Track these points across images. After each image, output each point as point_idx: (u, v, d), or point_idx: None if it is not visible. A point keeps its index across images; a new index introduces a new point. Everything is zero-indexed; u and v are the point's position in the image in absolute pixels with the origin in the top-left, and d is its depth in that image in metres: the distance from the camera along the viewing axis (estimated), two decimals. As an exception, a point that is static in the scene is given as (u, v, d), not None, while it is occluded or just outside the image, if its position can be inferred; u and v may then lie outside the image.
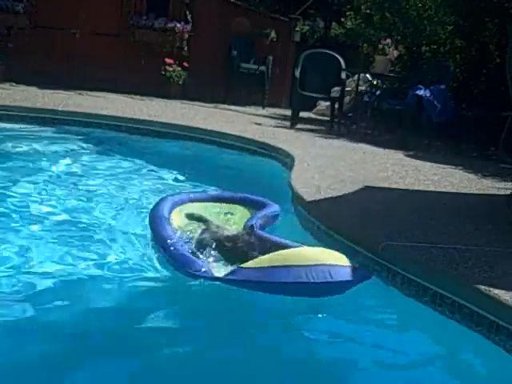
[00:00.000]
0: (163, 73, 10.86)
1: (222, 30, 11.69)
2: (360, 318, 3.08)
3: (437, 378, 2.61)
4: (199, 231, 3.55)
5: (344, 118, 9.32)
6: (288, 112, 9.78)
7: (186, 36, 11.20)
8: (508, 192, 4.94)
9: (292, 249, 2.94)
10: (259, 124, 8.64)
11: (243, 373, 2.46)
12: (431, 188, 5.21)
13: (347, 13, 11.95)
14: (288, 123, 8.95)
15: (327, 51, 9.49)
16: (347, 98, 9.69)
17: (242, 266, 2.84)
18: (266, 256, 2.86)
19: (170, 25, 11.08)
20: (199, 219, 3.73)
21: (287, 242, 3.31)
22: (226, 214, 4.10)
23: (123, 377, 2.37)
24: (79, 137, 7.13)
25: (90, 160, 6.19)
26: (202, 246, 3.38)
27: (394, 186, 5.13)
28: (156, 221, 3.64)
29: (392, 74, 10.24)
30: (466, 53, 9.87)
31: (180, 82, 10.99)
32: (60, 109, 7.83)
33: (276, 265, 2.72)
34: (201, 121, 8.03)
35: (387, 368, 2.63)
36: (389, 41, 11.04)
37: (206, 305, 2.99)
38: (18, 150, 6.27)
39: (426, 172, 6.00)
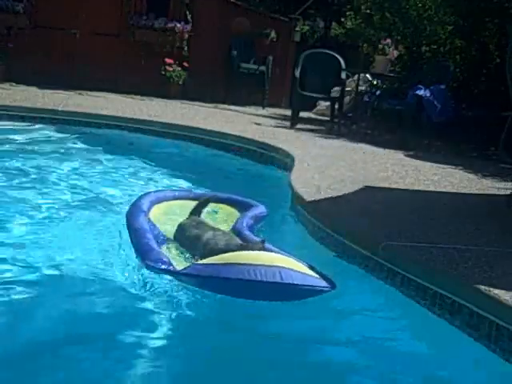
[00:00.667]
0: (163, 73, 10.86)
1: (221, 30, 11.69)
2: (359, 317, 3.08)
3: (437, 377, 2.61)
4: (177, 228, 3.51)
5: (344, 118, 9.32)
6: (288, 112, 9.78)
7: (186, 36, 11.20)
8: (508, 192, 4.94)
9: (252, 251, 2.89)
10: (259, 124, 8.64)
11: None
12: (431, 188, 5.21)
13: (347, 13, 11.94)
14: (288, 123, 8.95)
15: (327, 51, 9.49)
16: (347, 98, 9.69)
17: (197, 262, 2.88)
18: (225, 255, 2.86)
19: (170, 25, 11.08)
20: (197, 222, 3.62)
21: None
22: (211, 213, 4.04)
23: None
24: (79, 137, 7.13)
25: (90, 160, 6.19)
26: (173, 241, 3.35)
27: (393, 185, 5.13)
28: (131, 212, 3.63)
29: (392, 74, 10.24)
30: (466, 53, 9.87)
31: (180, 82, 10.99)
32: (60, 109, 7.83)
33: (228, 262, 2.72)
34: (201, 121, 8.03)
35: (386, 368, 2.63)
36: (389, 41, 11.04)
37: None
38: (17, 150, 6.27)
39: (426, 172, 6.00)
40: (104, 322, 2.82)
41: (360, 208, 4.28)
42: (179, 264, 2.98)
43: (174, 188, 5.11)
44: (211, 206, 4.09)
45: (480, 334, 2.61)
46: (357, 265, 3.38)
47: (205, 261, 2.83)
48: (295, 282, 2.64)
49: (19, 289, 2.98)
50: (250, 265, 2.65)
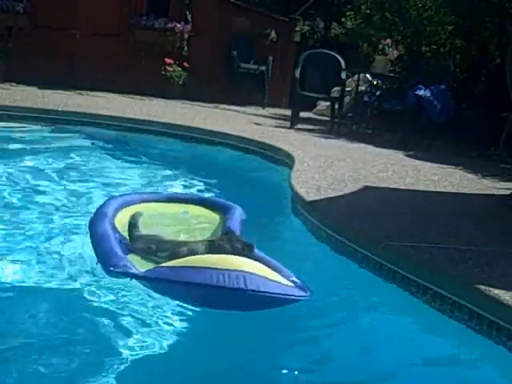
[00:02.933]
0: (163, 73, 10.86)
1: (221, 30, 11.69)
2: (360, 317, 3.08)
3: (436, 377, 2.61)
4: (143, 233, 3.26)
5: (344, 118, 9.32)
6: (288, 112, 9.78)
7: (186, 36, 11.20)
8: (508, 192, 4.94)
9: (219, 255, 2.67)
10: (259, 124, 8.64)
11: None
12: (431, 188, 5.21)
13: (347, 13, 11.95)
14: (288, 123, 8.95)
15: (327, 51, 9.49)
16: (347, 98, 9.69)
17: (160, 265, 2.71)
18: (191, 257, 2.69)
19: (170, 25, 11.08)
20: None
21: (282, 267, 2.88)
22: (182, 214, 3.85)
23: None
24: (79, 137, 7.13)
25: (90, 160, 6.19)
26: (139, 246, 3.12)
27: (393, 186, 5.13)
28: (95, 217, 3.45)
29: (392, 74, 10.24)
30: (466, 53, 9.87)
31: (180, 82, 10.99)
32: (60, 109, 7.83)
33: (190, 265, 2.55)
34: (201, 121, 8.03)
35: (387, 368, 2.63)
36: (389, 41, 11.05)
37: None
38: (17, 150, 6.27)
39: (426, 172, 6.00)
40: (61, 331, 2.66)
41: (360, 208, 4.28)
42: (144, 267, 2.79)
43: (141, 191, 4.87)
44: (180, 208, 3.88)
45: (480, 334, 2.61)
46: (356, 265, 3.38)
47: (168, 263, 2.67)
48: (261, 290, 2.40)
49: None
50: (213, 269, 2.46)
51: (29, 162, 5.71)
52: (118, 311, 2.78)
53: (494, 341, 2.55)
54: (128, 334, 2.62)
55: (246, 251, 2.89)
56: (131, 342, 2.56)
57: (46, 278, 3.09)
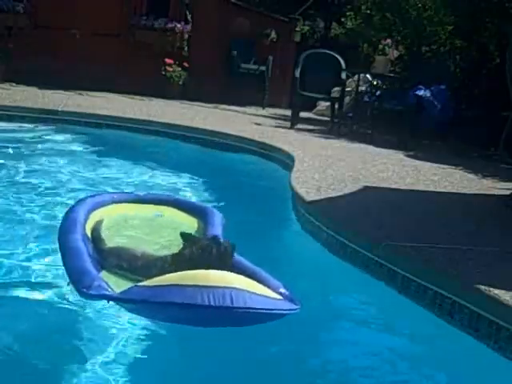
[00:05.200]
0: (163, 73, 10.86)
1: (221, 30, 11.69)
2: (359, 317, 3.08)
3: (436, 377, 2.61)
4: (109, 244, 2.96)
5: (344, 118, 9.32)
6: (288, 112, 9.78)
7: (186, 36, 11.20)
8: (508, 192, 4.94)
9: (201, 270, 2.47)
10: (259, 124, 8.64)
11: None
12: (431, 188, 5.21)
13: (347, 13, 11.96)
14: (288, 123, 8.95)
15: (327, 51, 9.49)
16: (347, 98, 9.69)
17: (138, 283, 2.45)
18: (172, 274, 2.46)
19: (170, 25, 11.08)
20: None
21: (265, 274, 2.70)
22: (156, 217, 3.57)
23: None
24: (79, 137, 7.12)
25: (90, 160, 6.19)
26: (111, 262, 2.82)
27: (393, 186, 5.13)
28: (64, 225, 3.07)
29: (392, 75, 10.24)
30: (466, 53, 9.87)
31: (180, 82, 10.99)
32: (60, 109, 7.83)
33: (170, 284, 2.34)
34: (201, 121, 8.03)
35: (388, 368, 2.63)
36: (389, 41, 11.06)
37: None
38: (17, 150, 6.27)
39: (426, 172, 6.00)
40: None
41: (360, 208, 4.28)
42: (120, 285, 2.53)
43: (113, 191, 4.64)
44: (155, 209, 3.60)
45: (480, 333, 2.61)
46: (356, 265, 3.38)
47: (146, 282, 2.44)
48: (249, 306, 2.26)
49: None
50: (196, 286, 2.27)
51: (29, 162, 5.71)
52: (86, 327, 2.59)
53: (493, 341, 2.55)
54: (98, 350, 2.46)
55: (230, 251, 2.73)
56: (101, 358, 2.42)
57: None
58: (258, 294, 2.32)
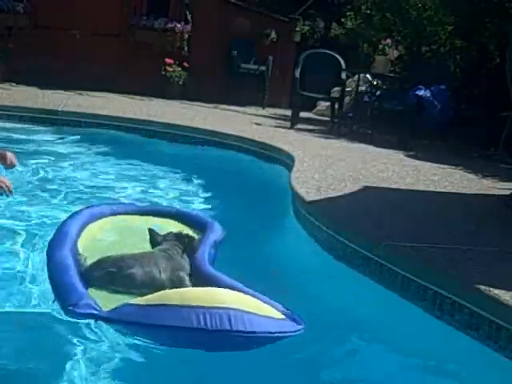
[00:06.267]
0: (163, 73, 10.86)
1: (221, 30, 11.70)
2: (359, 318, 3.08)
3: (436, 377, 2.61)
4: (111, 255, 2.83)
5: (344, 119, 9.32)
6: (288, 112, 9.78)
7: (186, 36, 11.21)
8: (508, 192, 4.94)
9: (196, 288, 2.32)
10: (259, 124, 8.64)
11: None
12: (431, 188, 5.21)
13: (347, 13, 11.97)
14: (288, 123, 8.95)
15: (327, 51, 9.50)
16: (347, 98, 9.70)
17: (129, 302, 2.29)
18: (165, 292, 2.33)
19: (170, 25, 11.09)
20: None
21: (242, 287, 2.57)
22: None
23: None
24: (79, 137, 7.12)
25: (90, 160, 6.19)
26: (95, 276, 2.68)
27: (393, 186, 5.12)
28: (54, 239, 2.92)
29: (392, 74, 10.25)
30: (466, 53, 9.88)
31: (180, 82, 11.00)
32: (60, 109, 7.83)
33: (164, 303, 2.18)
34: (201, 121, 8.03)
35: (389, 368, 2.63)
36: (389, 41, 11.06)
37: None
38: (17, 150, 6.26)
39: (426, 172, 6.00)
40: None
41: (360, 208, 4.28)
42: (108, 303, 2.38)
43: (113, 202, 4.44)
44: (152, 221, 3.46)
45: (480, 334, 2.61)
46: (356, 265, 3.37)
47: (137, 300, 2.30)
48: (249, 330, 2.08)
49: None
50: (192, 307, 2.11)
51: (28, 162, 5.71)
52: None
53: (493, 341, 2.55)
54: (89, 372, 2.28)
55: (191, 243, 2.87)
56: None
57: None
58: (260, 315, 2.16)
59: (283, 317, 2.25)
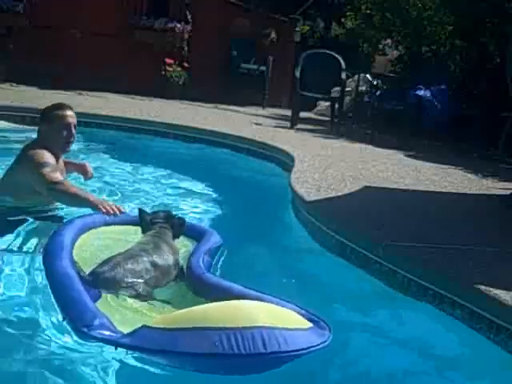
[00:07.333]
0: (163, 73, 10.87)
1: (222, 30, 11.70)
2: (359, 318, 3.08)
3: (435, 377, 2.61)
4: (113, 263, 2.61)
5: (344, 119, 9.33)
6: (288, 112, 9.78)
7: (186, 36, 11.21)
8: (508, 192, 4.94)
9: (219, 303, 2.08)
10: (259, 124, 8.64)
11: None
12: (431, 188, 5.21)
13: (347, 13, 11.96)
14: (288, 123, 8.95)
15: (327, 51, 9.50)
16: (347, 99, 9.71)
17: (148, 324, 2.04)
18: (183, 312, 2.10)
19: (170, 25, 11.10)
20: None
21: (248, 291, 2.41)
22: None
23: None
24: (79, 137, 7.11)
25: (89, 160, 6.17)
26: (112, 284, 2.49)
27: (393, 186, 5.12)
28: (50, 250, 2.70)
29: (392, 74, 10.26)
30: (466, 53, 9.88)
31: (180, 82, 11.00)
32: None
33: (189, 327, 1.95)
34: (200, 121, 8.03)
35: (390, 369, 2.63)
36: (389, 41, 11.06)
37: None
38: (17, 150, 6.26)
39: (426, 172, 6.00)
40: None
41: (360, 208, 4.27)
42: (123, 324, 2.16)
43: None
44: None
45: (480, 334, 2.61)
46: (356, 265, 3.38)
47: (157, 323, 2.07)
48: (284, 350, 1.89)
49: None
50: (220, 329, 1.90)
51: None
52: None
53: (493, 341, 2.55)
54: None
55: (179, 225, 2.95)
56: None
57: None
58: (292, 329, 1.96)
59: (311, 325, 2.09)
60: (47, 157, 3.48)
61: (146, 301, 2.52)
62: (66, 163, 3.97)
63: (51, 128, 3.63)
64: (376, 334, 2.90)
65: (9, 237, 3.22)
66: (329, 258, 3.57)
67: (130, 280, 2.56)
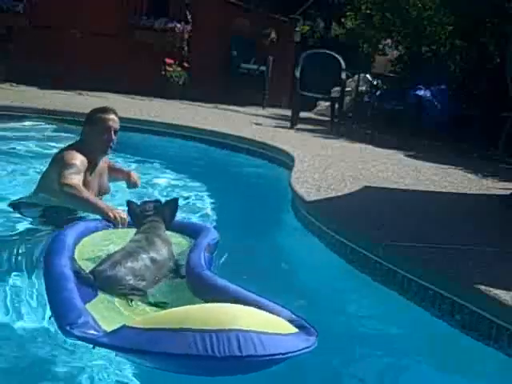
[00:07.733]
0: (163, 73, 10.87)
1: (222, 30, 11.70)
2: (358, 319, 3.08)
3: (435, 377, 2.61)
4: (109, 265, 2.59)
5: (344, 119, 9.33)
6: (288, 112, 9.78)
7: (186, 36, 11.21)
8: (508, 192, 4.94)
9: (200, 305, 2.11)
10: (259, 124, 8.64)
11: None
12: (431, 188, 5.21)
13: (347, 13, 11.97)
14: (288, 123, 8.95)
15: (327, 51, 9.50)
16: (347, 99, 9.71)
17: (128, 324, 2.03)
18: (163, 313, 2.12)
19: (170, 25, 11.10)
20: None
21: (244, 292, 2.38)
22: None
23: None
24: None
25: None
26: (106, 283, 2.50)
27: (393, 186, 5.12)
28: (50, 248, 2.71)
29: (392, 74, 10.26)
30: (466, 53, 9.89)
31: (180, 82, 11.00)
32: (60, 109, 7.83)
33: (166, 327, 1.93)
34: (200, 121, 8.03)
35: (390, 369, 2.63)
36: (389, 41, 11.07)
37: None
38: (17, 150, 6.27)
39: (426, 172, 6.00)
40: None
41: (360, 208, 4.27)
42: (109, 323, 2.15)
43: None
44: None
45: (480, 334, 2.61)
46: (356, 265, 3.37)
47: (137, 323, 2.05)
48: (261, 354, 1.87)
49: None
50: (196, 331, 1.88)
51: (29, 163, 5.71)
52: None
53: (493, 341, 2.55)
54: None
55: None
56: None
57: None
58: (272, 334, 1.93)
59: (295, 330, 2.05)
60: (75, 158, 3.47)
61: (145, 298, 2.52)
62: (112, 168, 3.96)
63: (93, 130, 3.65)
64: (378, 336, 2.90)
65: None
66: (328, 257, 3.57)
67: (130, 277, 2.56)
